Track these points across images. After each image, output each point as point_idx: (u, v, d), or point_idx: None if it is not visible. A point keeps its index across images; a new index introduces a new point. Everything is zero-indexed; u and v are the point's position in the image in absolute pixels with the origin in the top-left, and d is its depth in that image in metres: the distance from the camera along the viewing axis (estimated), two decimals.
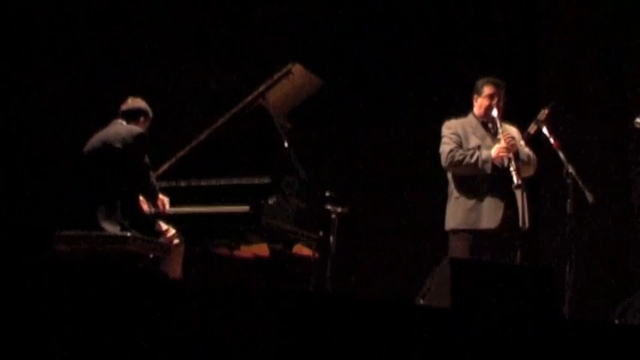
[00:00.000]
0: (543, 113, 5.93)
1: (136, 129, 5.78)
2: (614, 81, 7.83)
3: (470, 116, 6.08)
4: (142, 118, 5.92)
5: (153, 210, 5.90)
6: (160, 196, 5.88)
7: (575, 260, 5.70)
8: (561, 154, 5.82)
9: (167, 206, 5.90)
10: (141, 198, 5.87)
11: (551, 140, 5.87)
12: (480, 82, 6.06)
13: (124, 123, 5.85)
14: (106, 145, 5.72)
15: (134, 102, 5.96)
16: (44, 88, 7.60)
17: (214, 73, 7.90)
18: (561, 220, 5.90)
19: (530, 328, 4.00)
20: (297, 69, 6.19)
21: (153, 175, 5.84)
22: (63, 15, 7.73)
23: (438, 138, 6.03)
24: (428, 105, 7.70)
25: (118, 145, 5.68)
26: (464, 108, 6.15)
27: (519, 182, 5.72)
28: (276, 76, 6.19)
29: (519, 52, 8.21)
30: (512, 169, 5.75)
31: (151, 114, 5.97)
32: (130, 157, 5.68)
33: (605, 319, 6.02)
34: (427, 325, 3.85)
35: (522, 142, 6.01)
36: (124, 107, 5.92)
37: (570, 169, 5.78)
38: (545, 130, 5.90)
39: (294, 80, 6.23)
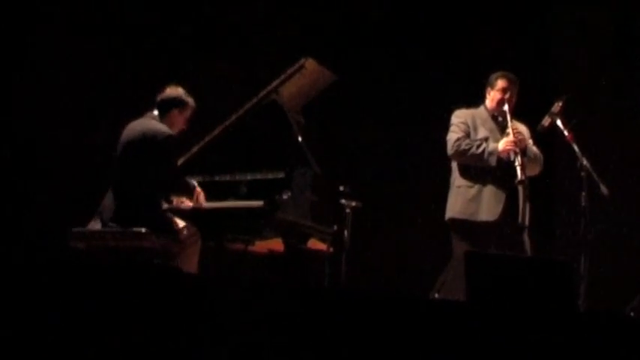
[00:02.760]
0: (557, 106, 5.93)
1: (162, 131, 5.72)
2: (628, 73, 7.81)
3: (481, 108, 6.10)
4: (175, 110, 5.81)
5: (192, 204, 5.89)
6: (198, 189, 5.87)
7: (589, 253, 5.69)
8: (575, 147, 5.82)
9: (202, 198, 5.90)
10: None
11: (565, 133, 5.87)
12: (494, 76, 6.08)
13: (157, 115, 5.82)
14: (133, 144, 5.72)
15: (171, 90, 5.83)
16: (54, 86, 7.62)
17: (228, 68, 7.91)
18: (576, 213, 5.89)
19: (546, 321, 4.00)
20: (310, 64, 6.18)
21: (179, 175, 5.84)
22: (76, 15, 7.76)
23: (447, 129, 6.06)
24: (440, 99, 7.68)
25: (143, 146, 5.68)
26: (477, 101, 6.15)
27: (522, 178, 5.73)
28: (289, 71, 6.19)
29: (532, 46, 8.19)
30: (517, 164, 5.75)
31: (190, 103, 5.83)
32: (154, 159, 5.68)
33: (620, 312, 6.01)
34: (442, 319, 3.86)
35: (531, 141, 6.01)
36: (160, 97, 5.83)
37: (584, 162, 5.77)
38: (559, 123, 5.91)
39: (307, 75, 6.23)
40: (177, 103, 5.84)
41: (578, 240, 5.77)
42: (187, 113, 5.90)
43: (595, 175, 5.74)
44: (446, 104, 6.49)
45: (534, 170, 6.01)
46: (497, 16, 8.21)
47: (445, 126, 6.16)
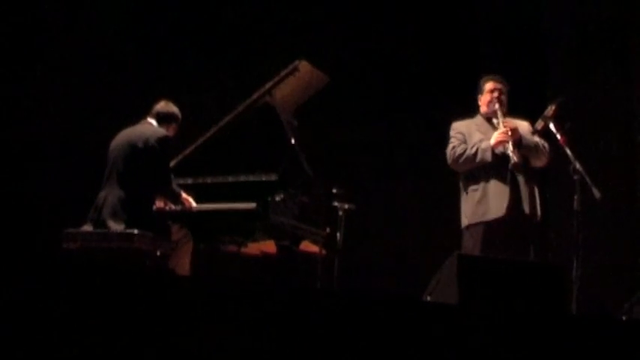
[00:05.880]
0: (550, 109, 5.94)
1: (161, 131, 5.84)
2: (621, 77, 7.82)
3: (477, 116, 6.16)
4: (173, 124, 6.02)
5: (175, 207, 5.91)
6: (184, 195, 5.91)
7: (582, 256, 5.69)
8: (568, 151, 5.82)
9: (193, 203, 5.92)
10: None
11: (558, 136, 5.87)
12: (481, 82, 6.20)
13: (154, 123, 5.89)
14: (129, 145, 5.76)
15: (167, 106, 6.04)
16: (52, 88, 7.62)
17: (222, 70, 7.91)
18: (568, 217, 5.90)
19: (538, 325, 4.00)
20: (304, 66, 6.18)
21: (173, 178, 5.86)
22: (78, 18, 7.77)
23: (446, 134, 6.08)
24: (435, 102, 7.70)
25: (140, 145, 5.72)
26: (471, 103, 6.18)
27: (516, 161, 5.76)
28: (282, 73, 6.19)
29: (526, 50, 8.20)
30: (509, 150, 5.79)
31: (180, 120, 6.07)
32: (151, 158, 5.71)
33: (612, 316, 6.01)
34: (434, 321, 3.86)
35: (532, 133, 6.01)
36: (157, 108, 6.00)
37: (577, 166, 5.77)
38: (552, 127, 5.91)
39: (300, 77, 6.23)
40: (175, 118, 6.04)
41: (570, 243, 5.77)
42: (177, 128, 6.08)
43: (588, 179, 5.74)
44: (441, 106, 6.50)
45: (540, 160, 6.01)
46: (492, 18, 8.23)
47: (440, 127, 6.19)
